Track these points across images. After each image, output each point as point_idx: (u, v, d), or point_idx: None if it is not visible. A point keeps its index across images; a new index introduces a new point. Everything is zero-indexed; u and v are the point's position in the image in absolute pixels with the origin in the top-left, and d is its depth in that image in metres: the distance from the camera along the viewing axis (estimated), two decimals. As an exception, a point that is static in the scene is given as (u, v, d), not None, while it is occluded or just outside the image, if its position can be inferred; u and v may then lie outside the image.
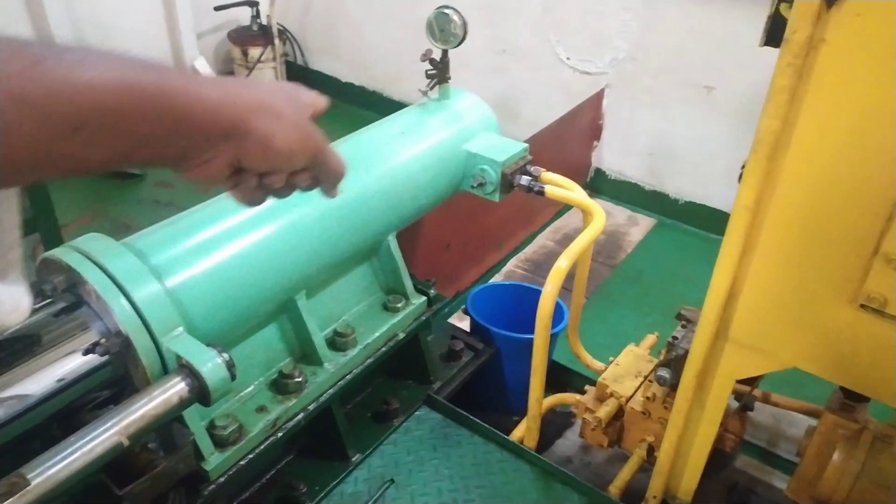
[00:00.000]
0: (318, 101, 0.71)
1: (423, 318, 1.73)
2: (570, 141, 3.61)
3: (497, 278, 3.05)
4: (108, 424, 1.02)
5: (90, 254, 1.15)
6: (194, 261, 1.25)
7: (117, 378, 1.23)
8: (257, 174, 0.65)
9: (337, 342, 1.54)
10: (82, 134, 0.47)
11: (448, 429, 1.70)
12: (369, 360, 1.59)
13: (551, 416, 2.11)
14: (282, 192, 0.70)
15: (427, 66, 1.78)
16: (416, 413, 1.73)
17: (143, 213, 3.79)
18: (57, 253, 1.17)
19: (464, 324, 2.18)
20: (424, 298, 1.72)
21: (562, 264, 1.51)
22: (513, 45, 3.95)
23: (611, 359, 1.84)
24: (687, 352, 1.37)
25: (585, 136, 3.75)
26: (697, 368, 1.32)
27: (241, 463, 1.32)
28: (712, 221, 3.40)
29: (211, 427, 1.31)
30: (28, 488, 0.92)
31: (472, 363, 1.94)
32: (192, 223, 1.34)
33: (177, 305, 1.18)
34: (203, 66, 4.76)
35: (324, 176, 0.72)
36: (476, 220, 2.89)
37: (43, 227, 1.56)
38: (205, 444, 1.28)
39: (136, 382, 1.20)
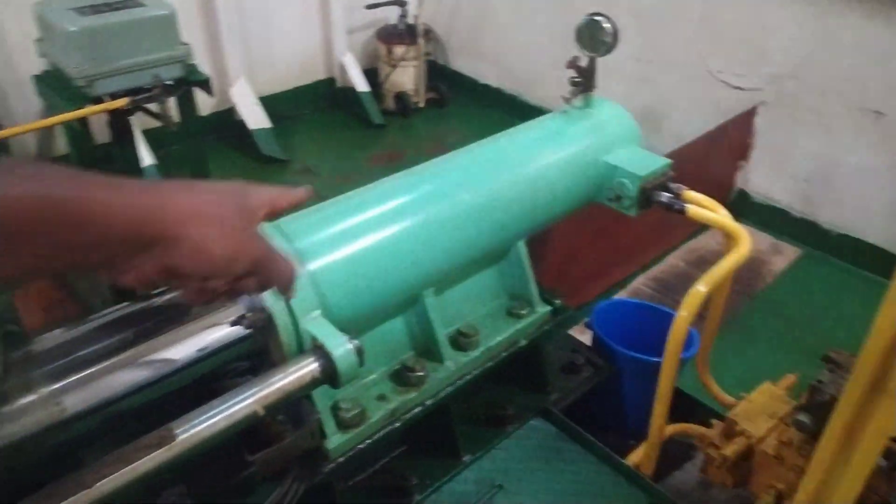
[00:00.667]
0: (276, 200, 0.72)
1: (547, 327, 1.70)
2: (715, 159, 3.44)
3: (622, 294, 2.96)
4: (248, 394, 1.08)
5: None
6: (336, 248, 1.30)
7: (255, 351, 1.32)
8: (199, 278, 0.64)
9: (459, 342, 1.55)
10: (66, 233, 0.49)
11: (561, 443, 1.67)
12: (489, 364, 1.59)
13: (670, 445, 2.02)
14: (229, 296, 0.70)
15: (572, 73, 1.75)
16: (531, 422, 1.71)
17: (286, 196, 4.02)
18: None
19: (585, 337, 2.13)
20: (549, 308, 1.70)
21: (700, 289, 1.44)
22: (662, 54, 3.82)
23: (743, 394, 1.73)
24: (834, 399, 1.26)
25: (732, 154, 3.56)
26: (846, 420, 1.21)
27: (360, 446, 1.36)
28: (869, 258, 3.12)
29: (335, 408, 1.36)
30: (174, 443, 1.00)
31: (592, 379, 1.89)
32: (336, 212, 1.39)
33: (316, 289, 1.23)
34: (350, 62, 4.97)
35: (271, 281, 0.73)
36: (606, 232, 2.82)
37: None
38: (329, 423, 1.33)
39: (273, 357, 1.27)
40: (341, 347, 1.13)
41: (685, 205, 1.62)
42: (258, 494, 1.28)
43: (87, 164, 1.45)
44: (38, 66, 3.52)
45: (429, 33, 5.16)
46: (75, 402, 1.05)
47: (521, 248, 1.64)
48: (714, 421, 1.69)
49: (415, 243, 1.39)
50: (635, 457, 1.73)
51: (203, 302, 0.70)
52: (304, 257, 1.25)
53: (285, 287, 0.74)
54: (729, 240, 1.60)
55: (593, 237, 2.67)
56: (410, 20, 4.96)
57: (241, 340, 1.26)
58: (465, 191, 1.47)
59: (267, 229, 1.26)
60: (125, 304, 1.27)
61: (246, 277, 0.69)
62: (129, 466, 0.96)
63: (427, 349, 1.52)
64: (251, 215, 0.67)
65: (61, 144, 3.78)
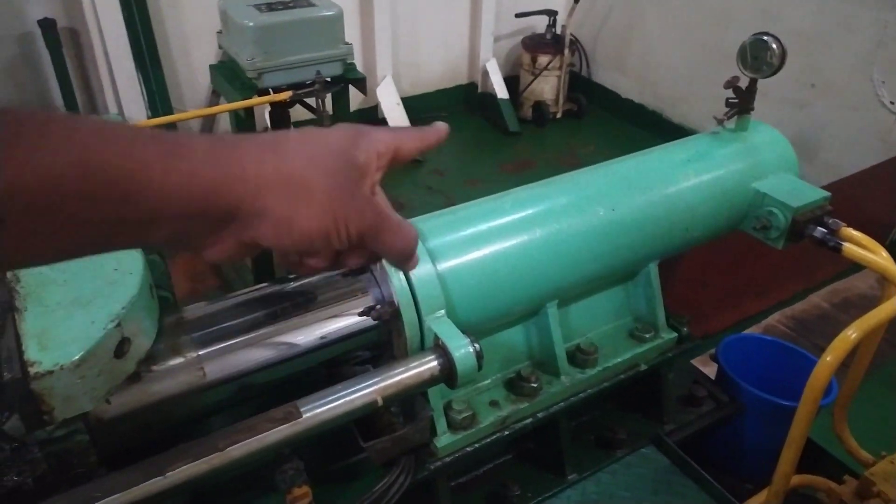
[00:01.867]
0: (401, 144, 0.60)
1: (670, 354, 1.64)
2: (875, 195, 3.16)
3: (753, 330, 2.79)
4: (369, 382, 1.12)
5: (381, 228, 1.28)
6: (466, 251, 1.32)
7: (378, 342, 1.36)
8: (293, 254, 0.56)
9: (577, 358, 1.53)
10: (116, 206, 0.40)
11: (673, 476, 1.60)
12: (605, 384, 1.55)
13: (793, 496, 1.88)
14: (331, 269, 0.60)
15: (728, 93, 1.68)
16: (642, 450, 1.65)
17: (415, 194, 4.14)
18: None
19: (708, 370, 2.03)
20: (675, 335, 1.63)
21: (851, 335, 1.33)
22: (825, 78, 3.55)
23: (883, 454, 1.58)
24: None
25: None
26: None
27: (468, 449, 1.38)
28: None
29: (447, 408, 1.38)
30: (299, 420, 1.05)
31: (713, 414, 1.80)
32: (469, 215, 1.41)
33: (443, 289, 1.26)
34: (493, 69, 5.01)
35: (384, 253, 0.61)
36: (742, 261, 2.67)
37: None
38: (440, 422, 1.35)
39: (395, 351, 1.31)
40: (462, 349, 1.14)
41: (842, 243, 1.50)
42: (365, 480, 1.33)
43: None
44: (208, 55, 3.83)
45: (574, 44, 5.11)
46: (215, 369, 1.14)
47: (653, 269, 1.59)
48: (846, 477, 1.55)
49: (544, 254, 1.39)
50: (754, 503, 1.62)
51: (307, 274, 0.65)
52: (435, 257, 1.28)
53: (402, 259, 0.62)
54: (888, 285, 1.46)
55: (728, 265, 2.54)
56: (558, 30, 4.93)
57: (366, 330, 1.31)
58: (601, 206, 1.45)
59: None
60: (264, 284, 1.35)
61: (352, 251, 0.58)
62: (258, 436, 1.02)
63: (544, 361, 1.51)
64: (360, 174, 0.54)
65: (224, 129, 4.10)
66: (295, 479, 1.14)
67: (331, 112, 1.53)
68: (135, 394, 1.05)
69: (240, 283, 2.71)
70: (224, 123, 4.03)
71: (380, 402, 1.12)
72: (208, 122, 4.01)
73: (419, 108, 4.87)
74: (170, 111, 3.58)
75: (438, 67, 5.11)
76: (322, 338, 1.27)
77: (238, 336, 1.19)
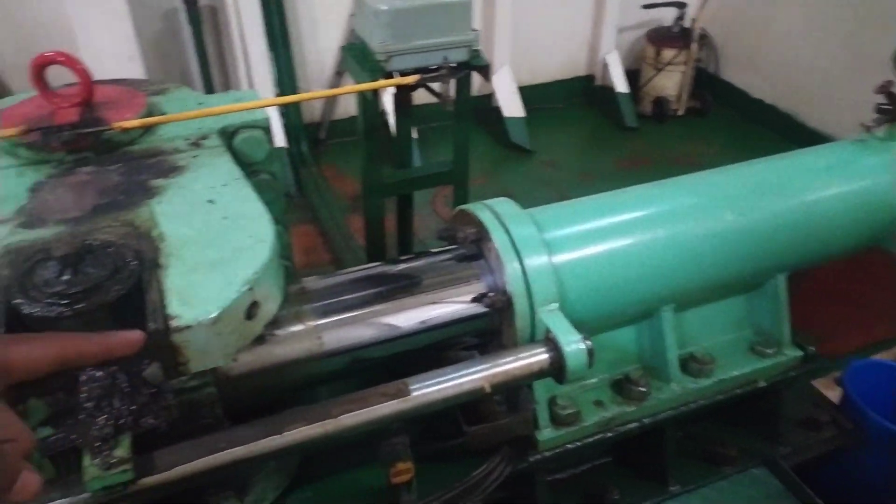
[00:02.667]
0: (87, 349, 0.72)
1: (793, 373, 1.54)
2: None
3: (885, 356, 2.58)
4: (478, 368, 1.13)
5: (500, 215, 1.28)
6: (584, 246, 1.30)
7: (487, 329, 1.36)
8: None
9: (691, 366, 1.47)
10: None
11: (786, 502, 1.51)
12: (719, 397, 1.48)
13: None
14: None
15: (880, 99, 1.55)
16: (753, 470, 1.57)
17: (526, 185, 4.11)
18: (473, 208, 1.32)
19: (831, 393, 1.89)
20: (800, 353, 1.54)
21: None
22: None
23: None
24: None
25: None
26: None
27: (569, 446, 1.36)
28: None
29: (552, 403, 1.37)
30: (408, 397, 1.07)
31: (834, 442, 1.68)
32: (589, 209, 1.39)
33: (558, 282, 1.24)
34: (614, 61, 4.89)
35: None
36: (877, 281, 2.47)
37: (458, 179, 1.82)
38: (543, 416, 1.34)
39: (504, 340, 1.30)
40: (574, 345, 1.13)
41: None
42: (465, 465, 1.34)
43: (371, 129, 1.63)
44: (335, 38, 3.95)
45: (704, 38, 4.88)
46: (332, 340, 1.18)
47: (781, 282, 1.50)
48: None
49: (665, 255, 1.34)
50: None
51: None
52: (551, 249, 1.26)
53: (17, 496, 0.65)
54: None
55: (860, 282, 2.36)
56: (686, 23, 4.73)
57: (476, 317, 1.31)
58: (730, 210, 1.38)
59: (520, 216, 1.29)
60: (378, 263, 1.39)
61: None
62: (369, 408, 1.05)
63: (654, 366, 1.46)
64: None
65: (343, 109, 4.22)
66: (401, 454, 1.17)
67: (453, 97, 1.54)
68: (259, 354, 1.11)
69: (351, 259, 2.79)
70: (346, 104, 4.16)
71: (487, 388, 1.13)
72: (330, 103, 4.15)
73: (535, 98, 4.82)
74: (295, 90, 3.73)
75: (557, 58, 5.03)
76: (433, 320, 1.29)
77: (354, 310, 1.23)
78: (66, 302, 0.92)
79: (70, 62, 1.30)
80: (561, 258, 1.27)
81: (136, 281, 0.97)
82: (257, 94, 1.63)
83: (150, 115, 1.37)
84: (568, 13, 4.84)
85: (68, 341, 0.75)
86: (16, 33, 3.07)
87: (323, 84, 4.14)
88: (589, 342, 1.14)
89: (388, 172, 1.80)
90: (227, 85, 3.75)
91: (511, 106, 4.55)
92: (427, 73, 1.48)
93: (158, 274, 1.00)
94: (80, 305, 0.92)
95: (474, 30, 1.48)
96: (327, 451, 1.36)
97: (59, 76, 1.34)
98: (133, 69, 2.92)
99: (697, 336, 1.52)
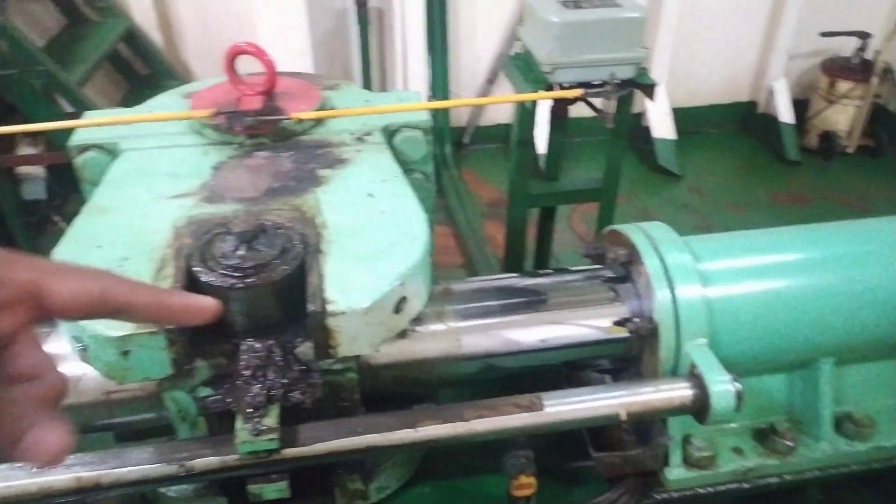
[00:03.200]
0: (54, 288, 0.58)
1: (966, 452, 1.37)
2: None
3: None
4: (615, 394, 1.10)
5: (654, 240, 1.23)
6: (740, 282, 1.23)
7: (624, 355, 1.32)
8: None
9: (846, 427, 1.34)
10: None
11: None
12: (875, 465, 1.35)
13: None
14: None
15: None
16: (905, 552, 1.41)
17: (668, 210, 3.95)
18: (626, 229, 1.28)
19: None
20: (978, 431, 1.36)
21: None
22: None
23: None
24: None
25: None
26: None
27: (700, 490, 1.29)
28: None
29: (686, 441, 1.30)
30: (541, 412, 1.06)
31: None
32: (749, 244, 1.31)
33: (709, 316, 1.18)
34: (781, 89, 4.60)
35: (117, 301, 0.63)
36: None
37: (606, 198, 1.78)
38: (675, 454, 1.28)
39: (643, 368, 1.26)
40: (721, 385, 1.07)
41: None
42: (587, 488, 1.31)
43: (525, 139, 1.64)
44: (491, 45, 4.00)
45: (887, 73, 4.47)
46: (470, 343, 1.19)
47: (965, 348, 1.34)
48: None
49: (829, 304, 1.24)
50: None
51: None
52: (706, 280, 1.20)
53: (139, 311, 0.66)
54: None
55: None
56: (868, 55, 4.36)
57: (616, 340, 1.28)
58: (911, 262, 1.25)
59: (675, 242, 1.24)
60: (517, 274, 1.39)
61: None
62: (500, 417, 1.05)
63: (804, 420, 1.35)
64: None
65: (489, 116, 4.27)
66: (525, 468, 1.16)
67: (614, 114, 1.51)
68: (400, 348, 1.14)
69: (483, 264, 2.81)
70: (492, 112, 4.20)
71: (623, 416, 1.09)
72: (477, 109, 4.21)
73: (689, 120, 4.63)
74: (447, 94, 3.82)
75: (717, 80, 4.80)
76: (570, 338, 1.27)
77: (495, 317, 1.24)
78: (238, 275, 0.99)
79: (259, 53, 1.40)
80: (715, 292, 1.21)
81: (300, 263, 1.03)
82: (420, 95, 1.69)
83: (322, 108, 1.46)
84: (736, 35, 4.60)
85: (118, 286, 0.65)
86: (206, 21, 3.36)
87: (473, 90, 4.20)
88: (738, 384, 1.07)
89: (535, 184, 1.80)
90: (384, 84, 3.90)
91: (662, 127, 4.40)
92: (591, 88, 1.46)
93: (319, 259, 1.05)
94: (251, 280, 0.99)
95: (644, 48, 1.44)
96: (449, 452, 1.38)
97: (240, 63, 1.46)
98: (303, 63, 3.11)
99: (857, 395, 1.39)
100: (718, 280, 1.22)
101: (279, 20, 3.04)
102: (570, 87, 1.52)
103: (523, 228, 1.86)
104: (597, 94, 1.45)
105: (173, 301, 0.75)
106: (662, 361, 1.18)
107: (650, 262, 1.20)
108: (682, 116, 4.55)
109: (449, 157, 4.06)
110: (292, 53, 2.99)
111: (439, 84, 3.74)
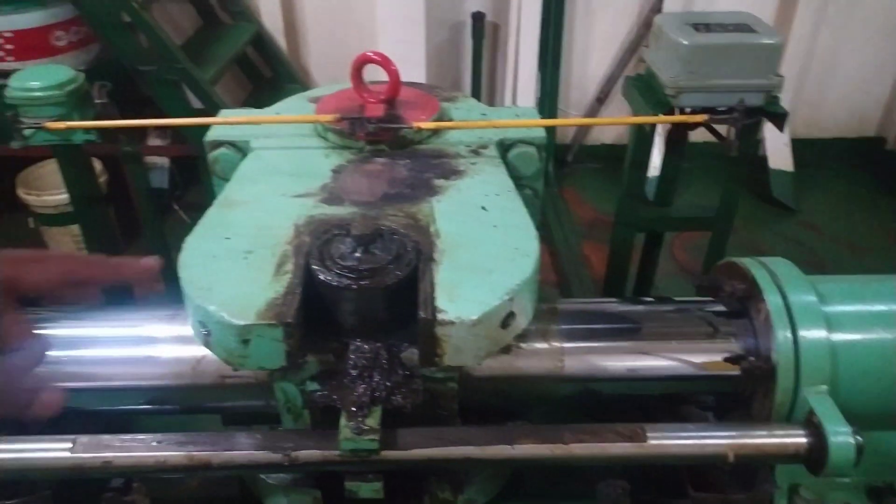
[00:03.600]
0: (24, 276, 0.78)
1: None
2: None
3: None
4: (725, 434, 1.05)
5: (777, 276, 1.18)
6: (869, 328, 1.15)
7: (730, 393, 1.26)
8: None
9: (979, 498, 1.23)
10: None
11: None
12: None
13: None
14: None
15: None
16: None
17: (779, 246, 3.77)
18: (746, 263, 1.23)
19: None
20: None
21: None
22: None
23: None
24: None
25: None
26: None
27: (805, 547, 1.21)
28: None
29: (793, 491, 1.23)
30: (644, 444, 1.03)
31: None
32: (880, 290, 1.23)
33: (833, 363, 1.11)
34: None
35: None
36: None
37: (721, 228, 1.71)
38: (781, 503, 1.21)
39: (753, 410, 1.20)
40: (842, 437, 1.00)
41: None
42: (681, 529, 1.25)
43: (640, 162, 1.59)
44: (602, 64, 3.94)
45: None
46: (573, 364, 1.17)
47: None
48: None
49: (972, 361, 1.14)
50: None
51: None
52: (831, 324, 1.13)
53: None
54: None
55: None
56: None
57: (725, 378, 1.22)
58: None
59: (800, 281, 1.18)
60: (629, 299, 1.35)
61: None
62: (601, 444, 1.03)
63: (928, 485, 1.25)
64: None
65: (595, 135, 4.21)
66: (619, 499, 1.13)
67: (737, 142, 1.45)
68: (501, 362, 1.14)
69: (578, 285, 2.77)
70: (598, 131, 4.15)
71: (730, 458, 1.04)
72: (584, 129, 4.16)
73: (809, 153, 4.40)
74: (555, 112, 3.80)
75: (843, 113, 4.54)
76: (675, 370, 1.22)
77: (600, 341, 1.21)
78: (353, 276, 1.02)
79: (385, 63, 1.45)
80: (840, 337, 1.14)
81: (413, 270, 1.05)
82: (535, 111, 1.69)
83: (440, 119, 1.48)
84: (868, 67, 4.34)
85: (77, 266, 0.85)
86: (329, 29, 3.51)
87: (581, 108, 4.16)
88: (860, 437, 1.01)
89: (645, 208, 1.76)
90: (492, 98, 3.93)
91: (779, 158, 4.20)
92: (717, 115, 1.41)
93: (431, 267, 1.07)
94: (365, 282, 1.01)
95: (779, 75, 1.38)
96: (539, 473, 1.37)
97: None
98: (417, 73, 3.19)
99: None
100: (845, 325, 1.15)
101: (400, 31, 3.12)
102: (696, 112, 1.48)
103: (628, 252, 1.81)
104: (722, 121, 1.40)
105: (122, 265, 0.98)
106: (777, 405, 1.12)
107: (771, 300, 1.14)
108: (802, 148, 4.32)
109: (550, 174, 4.03)
110: (408, 63, 3.06)
111: (546, 101, 3.73)
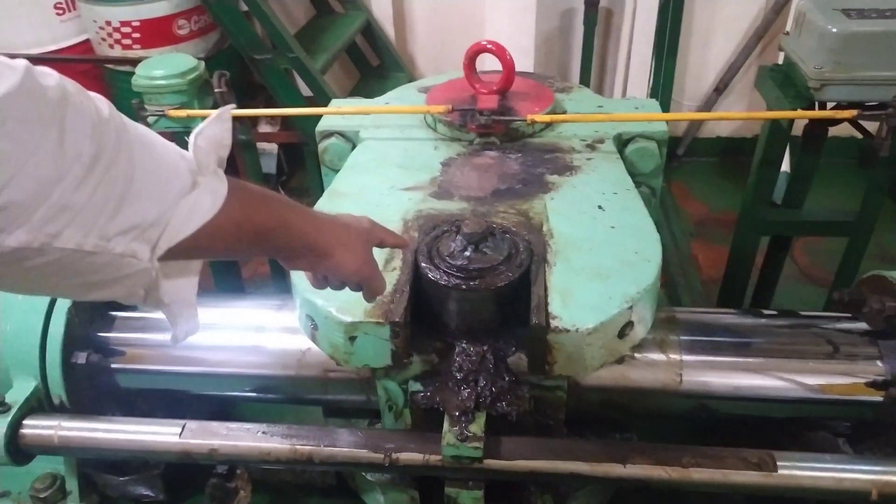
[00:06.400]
0: (384, 239, 0.91)
1: None
2: None
3: None
4: (867, 468, 0.95)
5: (937, 295, 1.04)
6: None
7: (868, 420, 1.13)
8: (328, 278, 0.87)
9: None
10: (253, 244, 0.72)
11: None
12: None
13: None
14: (335, 288, 0.89)
15: None
16: None
17: None
18: (894, 276, 1.10)
19: None
20: None
21: None
22: None
23: None
24: None
25: None
26: None
27: None
28: None
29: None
30: (773, 473, 0.94)
31: None
32: None
33: None
34: None
35: (366, 290, 0.88)
36: None
37: (861, 234, 1.54)
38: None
39: (891, 443, 1.07)
40: None
41: None
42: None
43: (772, 159, 1.44)
44: (724, 51, 3.71)
45: None
46: (692, 379, 1.08)
47: None
48: None
49: None
50: None
51: (320, 288, 0.88)
52: None
53: (371, 296, 0.89)
54: None
55: None
56: None
57: (864, 404, 1.10)
58: None
59: None
60: (754, 311, 1.24)
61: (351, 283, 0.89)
62: (724, 470, 0.95)
63: None
64: (371, 246, 0.89)
65: (709, 128, 3.98)
66: (741, 532, 1.04)
67: (888, 141, 1.29)
68: (613, 372, 1.07)
69: (685, 289, 2.61)
70: (714, 123, 3.92)
71: (874, 496, 0.93)
72: (697, 122, 3.93)
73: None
74: (668, 102, 3.60)
75: None
76: (806, 391, 1.11)
77: (722, 355, 1.12)
78: (462, 275, 0.98)
79: (500, 52, 1.39)
80: None
81: (525, 272, 0.99)
82: (657, 104, 1.58)
83: (554, 111, 1.41)
84: None
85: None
86: (436, 17, 3.48)
87: (697, 99, 3.93)
88: None
89: (773, 210, 1.60)
90: (601, 88, 3.78)
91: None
92: (867, 110, 1.26)
93: (545, 269, 1.01)
94: (475, 282, 0.97)
95: (944, 66, 1.21)
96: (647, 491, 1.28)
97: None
98: (525, 62, 3.10)
99: None
100: None
101: (509, 18, 3.04)
102: (839, 107, 1.33)
103: (751, 257, 1.67)
104: (872, 117, 1.25)
105: (399, 238, 1.01)
106: (929, 441, 0.99)
107: (931, 321, 1.01)
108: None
109: (660, 167, 3.85)
110: (517, 51, 2.97)
111: (661, 91, 3.54)
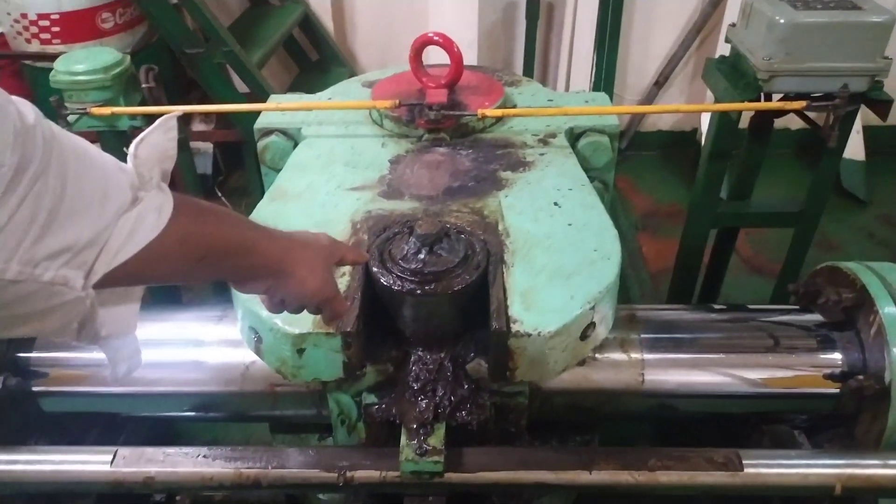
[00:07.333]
0: (345, 256, 0.85)
1: None
2: None
3: None
4: (830, 462, 0.94)
5: (890, 284, 1.04)
6: None
7: (828, 413, 1.13)
8: (285, 300, 0.80)
9: None
10: (204, 266, 0.66)
11: None
12: None
13: None
14: (293, 311, 0.83)
15: None
16: None
17: (851, 241, 3.54)
18: (854, 269, 1.09)
19: None
20: None
21: None
22: None
23: None
24: None
25: None
26: None
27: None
28: None
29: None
30: (739, 472, 0.92)
31: None
32: None
33: (957, 386, 0.97)
34: None
35: (326, 312, 0.83)
36: None
37: (806, 225, 1.55)
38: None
39: (857, 433, 1.07)
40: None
41: None
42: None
43: (721, 152, 1.44)
44: (665, 45, 3.75)
45: None
46: (655, 379, 1.06)
47: None
48: None
49: None
50: None
51: (276, 312, 0.82)
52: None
53: (331, 318, 0.85)
54: None
55: None
56: None
57: (821, 396, 1.10)
58: None
59: None
60: (710, 306, 1.23)
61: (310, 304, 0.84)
62: (690, 472, 0.92)
63: None
64: (332, 265, 0.83)
65: (651, 121, 4.03)
66: (708, 534, 1.02)
67: (834, 130, 1.29)
68: (576, 375, 1.03)
69: (636, 284, 2.63)
70: (655, 117, 3.97)
71: (838, 490, 0.92)
72: (638, 116, 3.97)
73: (882, 141, 4.13)
74: (611, 96, 3.61)
75: (919, 98, 4.25)
76: (767, 386, 1.10)
77: (685, 353, 1.09)
78: (417, 280, 0.92)
79: (448, 44, 1.34)
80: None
81: (483, 274, 0.95)
82: (607, 97, 1.56)
83: (504, 105, 1.37)
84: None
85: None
86: (377, 10, 3.40)
87: (638, 92, 3.97)
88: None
89: (723, 202, 1.61)
90: (545, 81, 3.77)
91: (850, 146, 3.94)
92: (815, 101, 1.26)
93: (503, 270, 0.97)
94: (430, 287, 0.92)
95: (886, 58, 1.22)
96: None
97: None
98: (469, 55, 3.05)
99: None
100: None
101: (451, 9, 2.99)
102: (790, 98, 1.33)
103: (701, 250, 1.67)
104: (821, 108, 1.25)
105: (360, 254, 0.96)
106: (890, 429, 0.99)
107: (886, 310, 1.01)
108: (875, 135, 4.05)
109: (604, 161, 3.87)
110: (461, 44, 2.92)
111: (604, 84, 3.56)
